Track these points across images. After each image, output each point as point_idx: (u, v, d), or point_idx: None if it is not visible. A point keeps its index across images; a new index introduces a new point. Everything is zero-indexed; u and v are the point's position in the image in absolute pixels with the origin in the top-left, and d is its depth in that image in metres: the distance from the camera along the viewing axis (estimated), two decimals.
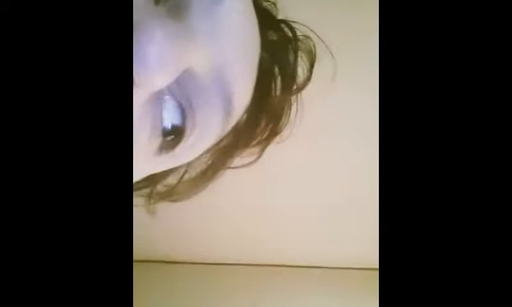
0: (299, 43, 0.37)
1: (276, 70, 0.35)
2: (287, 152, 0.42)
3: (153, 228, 0.71)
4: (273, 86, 0.34)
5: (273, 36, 0.36)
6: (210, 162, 0.33)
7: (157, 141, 0.25)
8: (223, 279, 0.74)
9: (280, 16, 0.37)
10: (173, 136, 0.26)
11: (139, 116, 0.24)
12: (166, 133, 0.25)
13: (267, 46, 0.33)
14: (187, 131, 0.26)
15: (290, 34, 0.37)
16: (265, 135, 0.35)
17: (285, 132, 0.37)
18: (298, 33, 0.37)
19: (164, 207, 0.38)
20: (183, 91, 0.25)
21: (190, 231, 0.73)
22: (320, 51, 0.38)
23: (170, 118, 0.25)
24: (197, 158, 0.31)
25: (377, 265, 0.24)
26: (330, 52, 0.38)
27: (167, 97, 0.25)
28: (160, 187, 0.34)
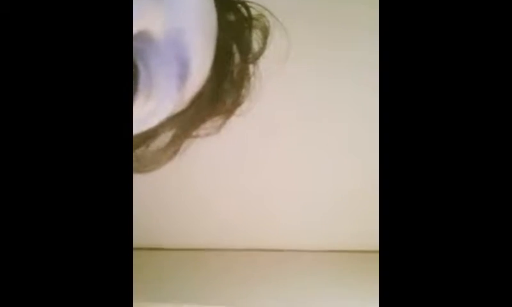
0: (254, 21, 0.40)
1: (234, 46, 0.38)
2: (247, 125, 0.45)
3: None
4: (231, 60, 0.37)
5: (231, 17, 0.38)
6: (174, 131, 0.36)
7: None
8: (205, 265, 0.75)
9: None
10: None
11: None
12: None
13: (225, 26, 0.36)
14: (146, 92, 0.28)
15: (246, 14, 0.40)
16: (226, 106, 0.38)
17: (245, 104, 0.39)
18: (253, 12, 0.40)
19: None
20: (140, 52, 0.28)
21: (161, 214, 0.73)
22: (274, 28, 0.41)
23: None
24: (161, 127, 0.33)
25: (377, 248, 0.26)
26: (284, 27, 0.41)
27: None
28: None
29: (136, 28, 0.26)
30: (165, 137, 0.36)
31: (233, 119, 0.40)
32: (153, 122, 0.32)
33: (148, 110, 0.29)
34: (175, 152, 0.37)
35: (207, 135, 0.38)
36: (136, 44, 0.27)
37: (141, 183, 0.41)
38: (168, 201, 0.71)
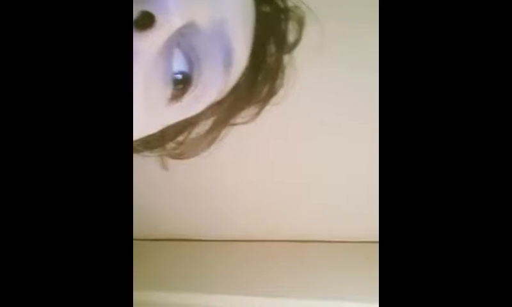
0: (290, 13, 0.41)
1: (270, 36, 0.39)
2: (282, 114, 0.46)
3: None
4: (267, 50, 0.39)
5: (266, 8, 0.40)
6: (214, 119, 0.38)
7: (168, 90, 0.30)
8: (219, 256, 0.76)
9: None
10: (182, 85, 0.30)
11: (153, 67, 0.28)
12: (176, 82, 0.30)
13: (261, 17, 0.37)
14: (194, 80, 0.30)
15: (282, 6, 0.41)
16: (262, 96, 0.39)
17: (280, 93, 0.41)
18: (289, 4, 0.41)
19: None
20: (189, 44, 0.29)
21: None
22: (310, 19, 0.42)
23: (179, 68, 0.29)
24: (203, 114, 0.35)
25: (377, 238, 0.26)
26: (318, 19, 0.42)
27: (176, 50, 0.29)
28: (170, 145, 0.39)
29: (183, 19, 0.28)
30: (205, 125, 0.38)
31: (268, 108, 0.41)
32: (197, 109, 0.33)
33: (194, 97, 0.31)
34: (214, 140, 0.39)
35: (244, 123, 0.40)
36: (186, 36, 0.29)
37: (175, 172, 0.43)
38: (200, 191, 0.73)
